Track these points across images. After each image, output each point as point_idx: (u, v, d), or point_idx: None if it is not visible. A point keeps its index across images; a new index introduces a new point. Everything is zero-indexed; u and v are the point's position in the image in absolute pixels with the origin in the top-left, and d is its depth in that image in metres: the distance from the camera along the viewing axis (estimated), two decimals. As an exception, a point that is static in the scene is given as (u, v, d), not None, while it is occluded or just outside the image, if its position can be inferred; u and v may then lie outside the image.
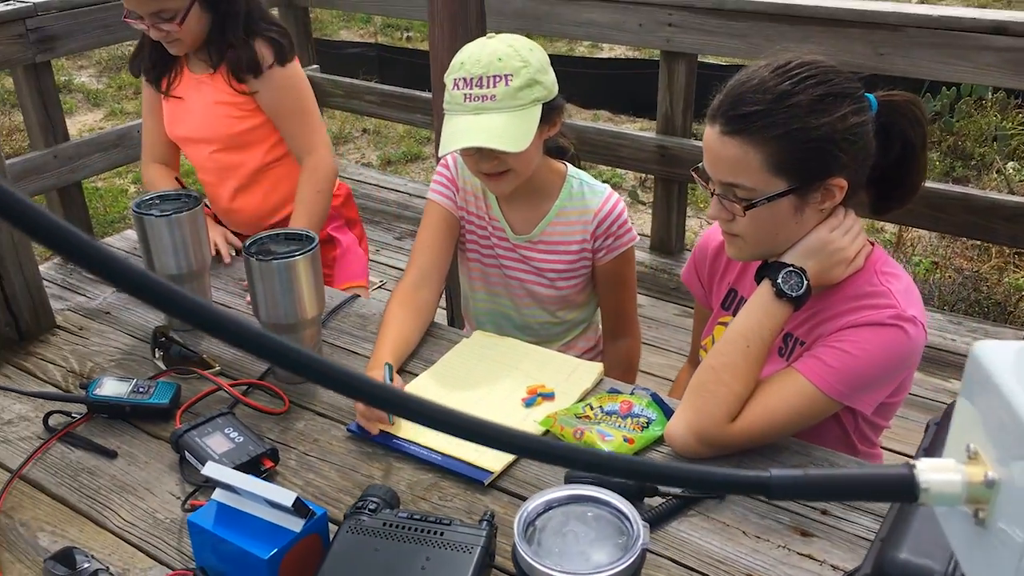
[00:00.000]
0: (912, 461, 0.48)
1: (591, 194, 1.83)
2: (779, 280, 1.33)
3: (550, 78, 1.70)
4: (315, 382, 0.44)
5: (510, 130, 1.63)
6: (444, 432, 0.44)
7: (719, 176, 1.35)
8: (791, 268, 1.34)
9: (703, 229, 4.51)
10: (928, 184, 2.98)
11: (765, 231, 1.36)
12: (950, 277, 3.83)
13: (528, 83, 1.64)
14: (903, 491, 0.47)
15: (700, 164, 1.39)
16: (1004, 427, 0.45)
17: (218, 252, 2.11)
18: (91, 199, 4.75)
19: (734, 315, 1.44)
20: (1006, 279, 3.81)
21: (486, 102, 1.63)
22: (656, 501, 1.28)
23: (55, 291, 1.98)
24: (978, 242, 3.97)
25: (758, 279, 1.38)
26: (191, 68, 2.25)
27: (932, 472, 0.47)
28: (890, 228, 4.27)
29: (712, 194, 1.38)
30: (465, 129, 1.64)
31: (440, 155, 1.72)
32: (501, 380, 1.60)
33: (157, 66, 2.25)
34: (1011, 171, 4.70)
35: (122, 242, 2.31)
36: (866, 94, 1.34)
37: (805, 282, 1.33)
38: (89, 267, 0.37)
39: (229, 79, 2.19)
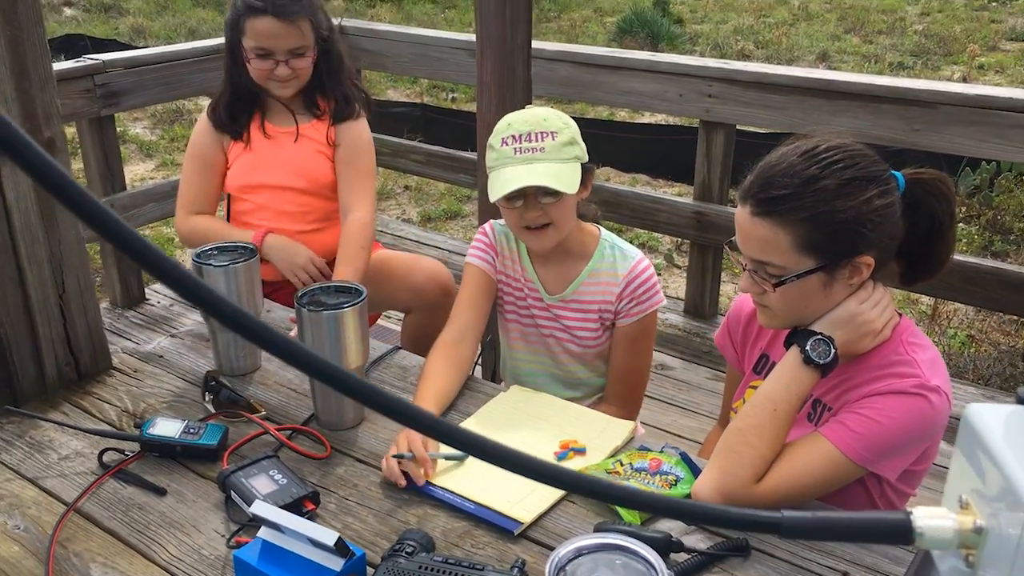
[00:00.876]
0: (912, 509, 0.53)
1: (622, 258, 1.91)
2: (808, 347, 1.38)
3: (583, 145, 1.83)
4: (394, 419, 0.51)
5: (560, 175, 1.75)
6: (495, 464, 0.51)
7: (750, 254, 1.41)
8: (820, 336, 1.39)
9: (736, 294, 4.56)
10: (963, 258, 3.03)
11: (794, 304, 1.42)
12: (986, 351, 3.82)
13: (570, 141, 1.78)
14: (901, 534, 0.52)
15: (733, 238, 1.45)
16: (991, 481, 0.50)
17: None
18: (141, 247, 4.91)
19: (765, 379, 1.49)
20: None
21: (536, 153, 1.75)
22: (681, 557, 1.32)
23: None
24: (1015, 317, 3.97)
25: (787, 345, 1.44)
26: (272, 120, 2.45)
27: (927, 519, 0.52)
28: (926, 300, 4.28)
29: (744, 268, 1.45)
30: (517, 176, 1.75)
31: (492, 199, 1.80)
32: (535, 433, 1.66)
33: (237, 119, 2.41)
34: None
35: (169, 290, 2.42)
36: (894, 172, 1.40)
37: (833, 350, 1.38)
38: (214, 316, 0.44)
39: (328, 128, 2.42)
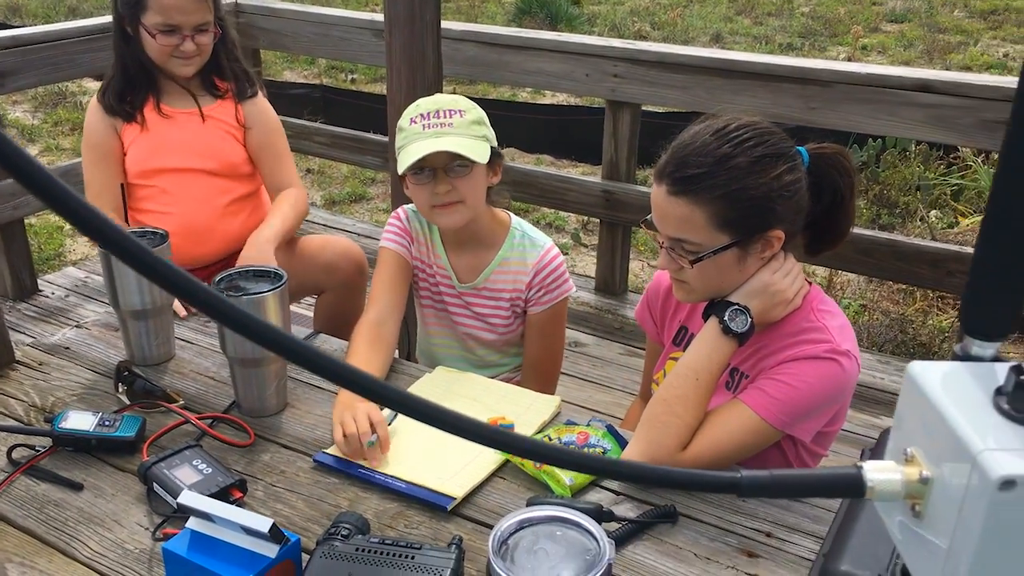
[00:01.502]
0: (860, 463, 0.56)
1: (532, 247, 1.93)
2: (725, 318, 1.43)
3: (492, 130, 1.85)
4: (339, 383, 0.51)
5: (470, 146, 1.76)
6: (447, 431, 0.52)
7: (667, 232, 1.45)
8: (736, 306, 1.44)
9: (643, 271, 4.65)
10: (859, 231, 3.17)
11: (711, 279, 1.47)
12: (878, 319, 4.02)
13: (479, 120, 1.80)
14: (853, 488, 0.55)
15: (649, 217, 1.49)
16: (934, 432, 0.54)
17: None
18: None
19: (684, 351, 1.53)
20: (930, 321, 4.00)
21: (444, 128, 1.76)
22: (613, 526, 1.35)
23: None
24: (904, 286, 4.17)
25: (705, 316, 1.48)
26: (169, 102, 2.37)
27: (876, 472, 0.55)
28: (821, 272, 4.46)
29: (661, 246, 1.48)
30: (426, 147, 1.75)
31: (400, 171, 1.80)
32: (462, 412, 1.66)
33: (129, 100, 2.32)
34: (933, 219, 4.94)
35: (64, 279, 2.32)
36: (798, 148, 1.45)
37: (749, 320, 1.43)
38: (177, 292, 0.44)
39: (236, 107, 2.38)
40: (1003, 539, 0.49)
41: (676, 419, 1.42)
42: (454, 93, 1.93)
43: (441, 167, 1.78)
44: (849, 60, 8.35)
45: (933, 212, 5.04)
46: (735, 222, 1.40)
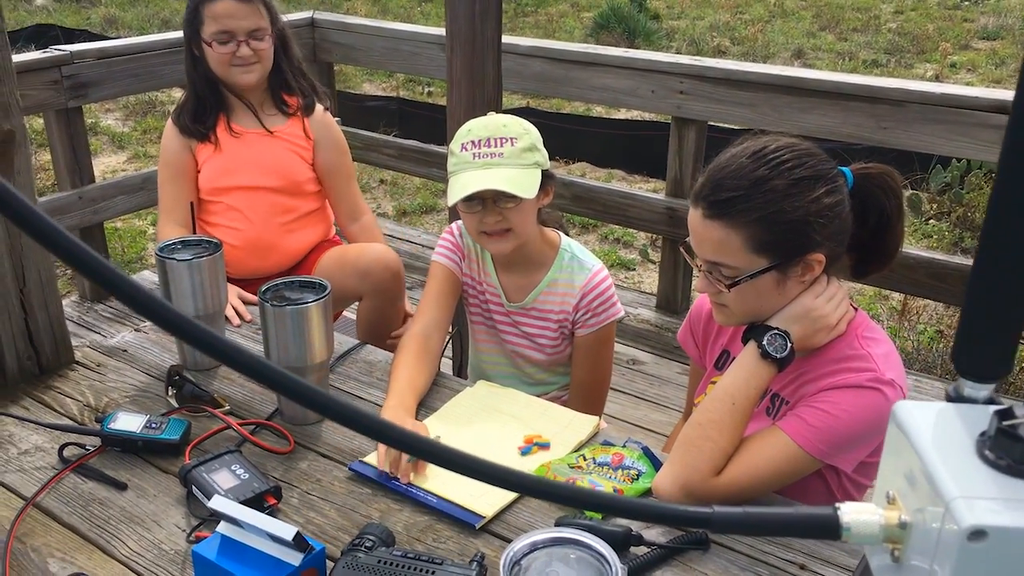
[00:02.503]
0: (838, 504, 0.54)
1: (580, 269, 1.92)
2: (764, 342, 1.40)
3: (545, 152, 1.83)
4: (349, 426, 0.51)
5: (519, 180, 1.75)
6: (452, 470, 0.52)
7: (704, 255, 1.43)
8: (776, 331, 1.40)
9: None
10: (930, 254, 3.06)
11: (749, 302, 1.44)
12: (953, 346, 3.87)
13: (530, 147, 1.77)
14: (828, 529, 0.53)
15: (688, 239, 1.46)
16: (915, 478, 0.51)
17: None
18: (111, 239, 4.88)
19: (724, 374, 1.50)
20: (1009, 350, 3.85)
21: (494, 158, 1.74)
22: (641, 550, 1.33)
23: (72, 328, 2.06)
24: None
25: (744, 340, 1.45)
26: (238, 121, 2.45)
27: (854, 514, 0.53)
28: (896, 296, 4.33)
29: (699, 269, 1.46)
30: (475, 180, 1.74)
31: (450, 203, 1.81)
32: (500, 428, 1.66)
33: (202, 121, 2.41)
34: (1018, 244, 4.75)
35: (141, 282, 2.40)
36: (842, 168, 1.41)
37: (789, 344, 1.39)
38: (139, 311, 0.45)
39: (303, 122, 2.45)
40: (974, 592, 0.47)
41: (711, 443, 1.40)
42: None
43: (491, 198, 1.78)
44: (936, 78, 8.11)
45: None
46: (772, 245, 1.37)
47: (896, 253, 1.46)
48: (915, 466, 0.51)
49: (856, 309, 1.48)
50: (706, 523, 0.53)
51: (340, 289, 2.44)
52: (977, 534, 0.45)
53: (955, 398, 0.55)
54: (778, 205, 1.34)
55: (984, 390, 0.54)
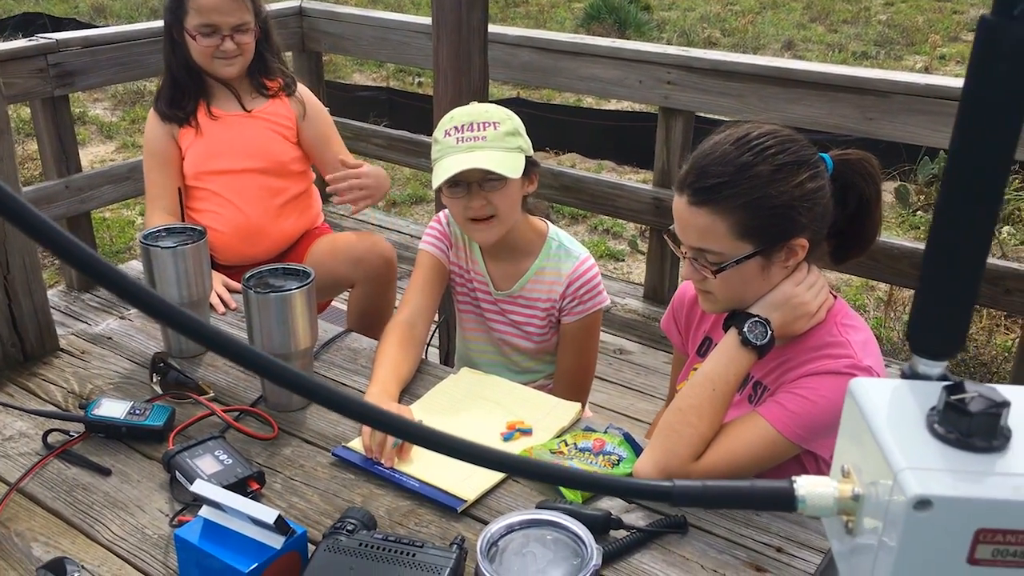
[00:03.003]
0: (794, 478, 0.55)
1: (566, 257, 1.93)
2: (745, 329, 1.41)
3: (528, 139, 1.84)
4: (333, 409, 0.52)
5: (502, 160, 1.76)
6: (436, 451, 0.53)
7: (689, 242, 1.44)
8: (757, 318, 1.42)
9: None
10: (916, 245, 3.08)
11: (734, 289, 1.45)
12: (938, 336, 3.90)
13: (513, 131, 1.79)
14: (785, 501, 0.54)
15: (672, 227, 1.47)
16: (867, 450, 0.53)
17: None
18: (98, 228, 4.86)
19: (705, 360, 1.52)
20: (995, 340, 3.87)
21: (477, 142, 1.76)
22: (620, 533, 1.34)
23: (59, 317, 2.07)
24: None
25: (725, 327, 1.46)
26: (218, 105, 2.44)
27: (810, 487, 0.54)
28: (882, 287, 4.35)
29: (684, 256, 1.47)
30: (458, 162, 1.76)
31: (434, 186, 1.82)
32: (483, 414, 1.68)
33: (180, 106, 2.41)
34: (1005, 235, 4.78)
35: (128, 272, 2.40)
36: (822, 154, 1.43)
37: (769, 332, 1.41)
38: (123, 297, 0.45)
39: (286, 101, 2.47)
40: (920, 561, 0.48)
41: (690, 429, 1.41)
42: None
43: (475, 181, 1.79)
44: (926, 70, 8.14)
45: (1005, 228, 4.87)
46: (757, 231, 1.39)
47: (875, 238, 1.48)
48: (867, 440, 0.52)
49: (836, 297, 1.50)
50: (667, 496, 0.54)
51: (333, 276, 2.45)
52: (923, 503, 0.46)
53: (910, 375, 0.56)
54: (763, 190, 1.36)
55: (938, 367, 0.56)
